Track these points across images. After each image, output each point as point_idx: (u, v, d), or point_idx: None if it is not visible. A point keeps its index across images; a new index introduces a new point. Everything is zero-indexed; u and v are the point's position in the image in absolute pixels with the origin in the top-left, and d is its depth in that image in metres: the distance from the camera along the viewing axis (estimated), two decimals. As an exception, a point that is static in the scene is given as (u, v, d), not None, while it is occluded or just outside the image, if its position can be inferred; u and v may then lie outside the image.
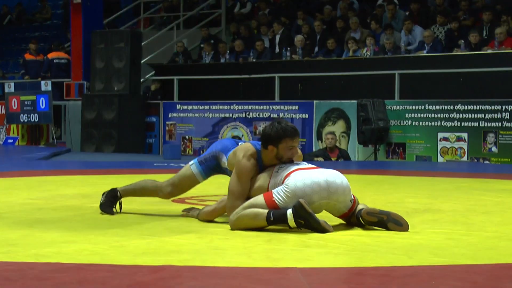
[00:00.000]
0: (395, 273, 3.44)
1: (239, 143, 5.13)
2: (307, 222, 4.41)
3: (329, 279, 3.35)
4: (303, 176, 4.58)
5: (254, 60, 14.55)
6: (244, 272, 3.41)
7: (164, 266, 3.48)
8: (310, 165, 4.79)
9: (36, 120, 15.51)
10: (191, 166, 5.24)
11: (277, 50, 14.98)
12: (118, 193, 5.37)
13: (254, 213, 4.53)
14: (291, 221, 4.43)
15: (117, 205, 5.37)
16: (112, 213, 5.32)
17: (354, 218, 4.71)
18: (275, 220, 4.48)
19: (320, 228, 4.43)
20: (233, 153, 5.00)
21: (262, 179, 4.78)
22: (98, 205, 5.37)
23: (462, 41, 12.76)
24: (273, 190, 4.61)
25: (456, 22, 13.31)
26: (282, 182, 4.62)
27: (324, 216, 4.64)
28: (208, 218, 5.02)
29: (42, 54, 17.96)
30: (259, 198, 4.61)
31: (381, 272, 3.45)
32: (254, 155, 4.87)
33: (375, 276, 3.37)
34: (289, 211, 4.44)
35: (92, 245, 4.07)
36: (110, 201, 5.36)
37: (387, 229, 4.57)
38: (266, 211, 4.50)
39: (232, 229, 4.61)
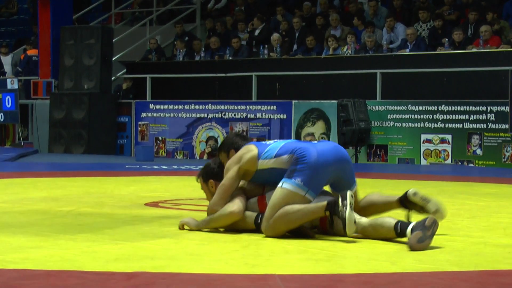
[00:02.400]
0: (377, 280, 3.41)
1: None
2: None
3: (310, 286, 3.33)
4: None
5: (230, 58, 14.37)
6: (221, 279, 3.39)
7: (138, 273, 3.44)
8: None
9: (2, 120, 15.20)
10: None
11: (254, 46, 14.65)
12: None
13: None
14: None
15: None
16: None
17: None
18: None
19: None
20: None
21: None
22: (68, 209, 5.26)
23: (446, 39, 12.62)
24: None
25: (440, 19, 13.11)
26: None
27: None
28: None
29: None
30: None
31: (363, 279, 3.43)
32: None
33: (357, 283, 3.35)
34: None
35: (61, 250, 4.03)
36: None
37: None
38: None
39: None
